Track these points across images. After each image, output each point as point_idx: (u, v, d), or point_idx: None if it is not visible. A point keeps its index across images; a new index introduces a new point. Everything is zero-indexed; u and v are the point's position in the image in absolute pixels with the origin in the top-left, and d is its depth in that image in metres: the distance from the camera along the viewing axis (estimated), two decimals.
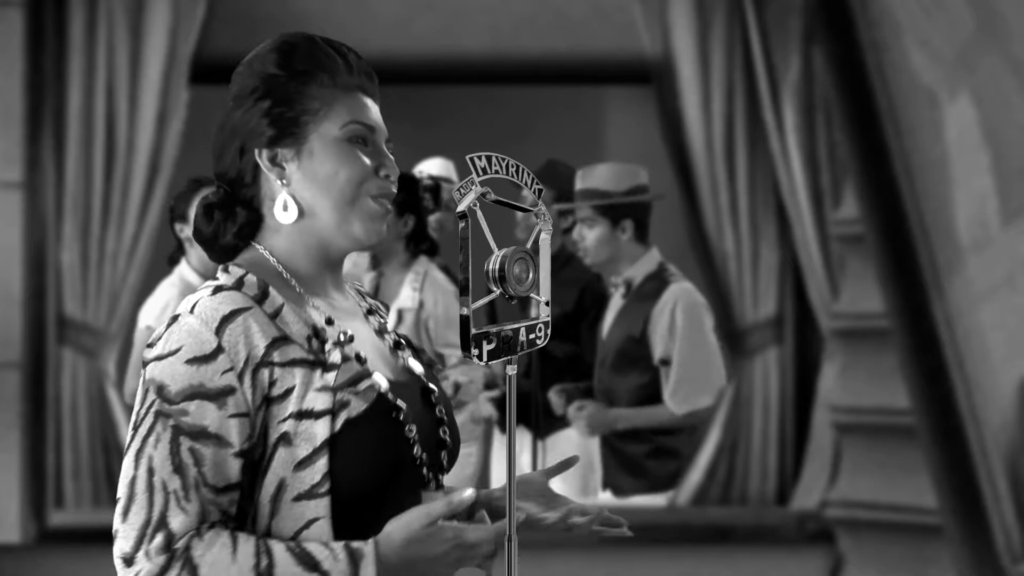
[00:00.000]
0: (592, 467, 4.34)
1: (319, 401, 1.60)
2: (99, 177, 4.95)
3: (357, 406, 1.62)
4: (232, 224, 1.71)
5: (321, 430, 1.59)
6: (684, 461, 4.34)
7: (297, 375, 1.61)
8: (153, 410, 1.58)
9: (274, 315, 1.63)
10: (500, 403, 4.56)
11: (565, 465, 1.84)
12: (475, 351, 1.57)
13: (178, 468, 1.56)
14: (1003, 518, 4.37)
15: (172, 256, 4.26)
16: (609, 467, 4.20)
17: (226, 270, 1.69)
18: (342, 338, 1.67)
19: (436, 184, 4.62)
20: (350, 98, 1.72)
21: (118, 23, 4.95)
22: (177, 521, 1.55)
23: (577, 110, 6.76)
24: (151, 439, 1.57)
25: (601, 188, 4.06)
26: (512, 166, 1.61)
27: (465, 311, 1.56)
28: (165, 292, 4.21)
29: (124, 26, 4.95)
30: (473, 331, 1.56)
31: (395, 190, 1.73)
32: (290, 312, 1.65)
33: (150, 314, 4.24)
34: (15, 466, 4.88)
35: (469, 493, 1.60)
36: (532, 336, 1.64)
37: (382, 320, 1.83)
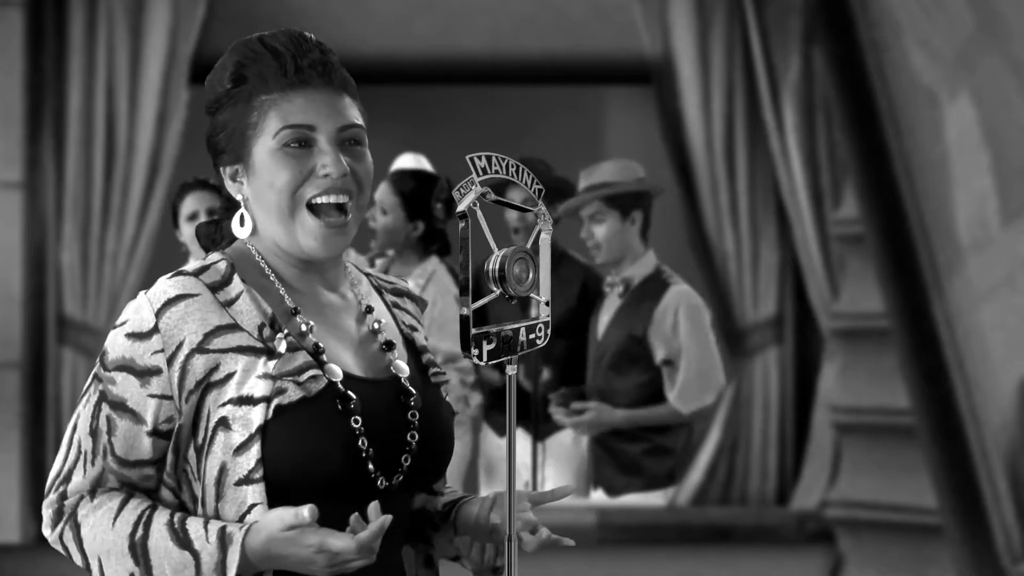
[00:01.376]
0: (583, 469, 4.35)
1: (258, 388, 1.61)
2: (99, 177, 4.95)
3: (293, 394, 1.62)
4: (223, 236, 1.75)
5: (257, 416, 1.61)
6: (679, 459, 4.34)
7: (240, 361, 1.62)
8: (94, 372, 1.67)
9: (228, 303, 1.65)
10: (491, 399, 4.53)
11: (556, 495, 1.80)
12: (475, 351, 1.57)
13: (93, 432, 1.64)
14: (1003, 518, 4.37)
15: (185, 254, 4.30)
16: (602, 466, 4.20)
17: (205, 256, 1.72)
18: (303, 328, 1.67)
19: (447, 181, 4.60)
20: (286, 100, 1.68)
21: (118, 23, 4.95)
22: (76, 479, 1.65)
23: (577, 110, 6.75)
24: (85, 397, 1.67)
25: (608, 181, 4.07)
26: (512, 166, 1.61)
27: (465, 311, 1.56)
28: None
29: (124, 26, 4.95)
30: (473, 331, 1.56)
31: (344, 184, 1.68)
32: (246, 301, 1.66)
33: None
34: (15, 466, 4.89)
35: (306, 511, 1.56)
36: (532, 336, 1.64)
37: (381, 322, 1.80)
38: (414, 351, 1.81)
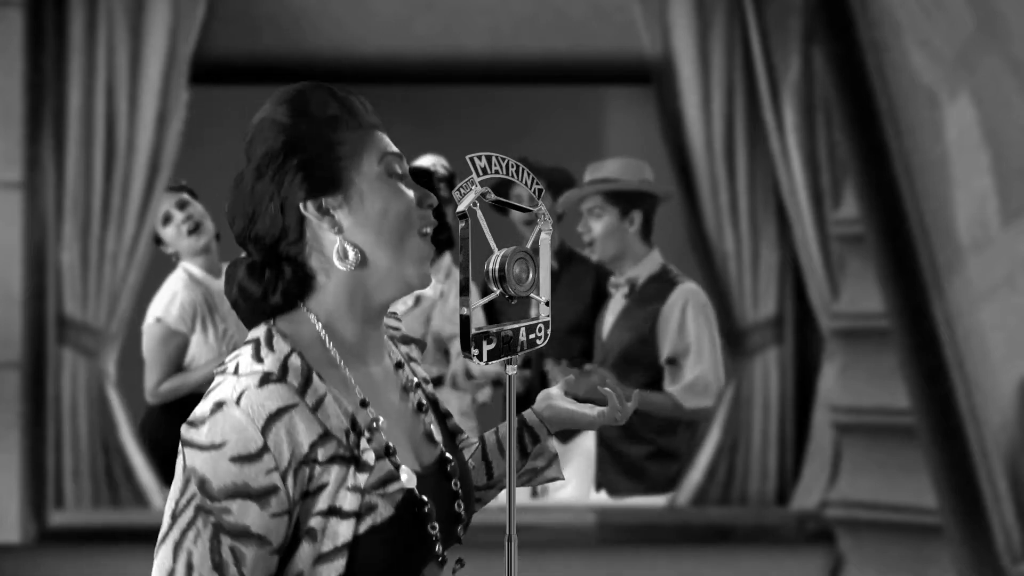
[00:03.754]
0: (590, 466, 4.35)
1: (348, 501, 1.58)
2: (99, 177, 4.95)
3: (384, 511, 1.60)
4: (281, 282, 1.67)
5: (345, 530, 1.57)
6: (683, 464, 4.34)
7: (333, 472, 1.58)
8: (195, 504, 1.56)
9: (315, 407, 1.59)
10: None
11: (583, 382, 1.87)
12: (475, 351, 1.57)
13: (218, 566, 1.55)
14: (1003, 518, 4.37)
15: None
16: (606, 468, 4.20)
17: (269, 344, 1.64)
18: (375, 425, 1.64)
19: (450, 174, 4.62)
20: (374, 135, 1.69)
21: (118, 23, 4.95)
22: None
23: (577, 110, 6.75)
24: (191, 533, 1.55)
25: (612, 178, 4.08)
26: (512, 166, 1.61)
27: (465, 311, 1.56)
28: (172, 285, 4.27)
29: (124, 26, 4.95)
30: (473, 331, 1.56)
31: (436, 222, 1.70)
32: (331, 403, 1.61)
33: (159, 306, 4.31)
34: (15, 466, 4.88)
35: None
36: (532, 336, 1.64)
37: (410, 379, 1.78)
38: (439, 415, 1.81)
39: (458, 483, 1.72)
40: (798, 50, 5.00)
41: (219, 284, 4.32)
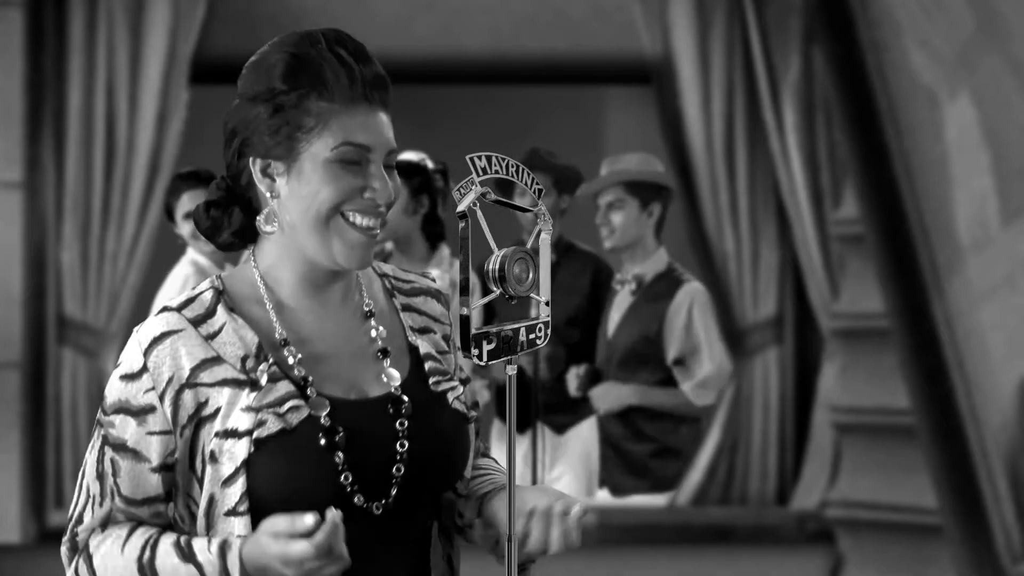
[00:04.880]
0: (592, 466, 4.35)
1: (243, 421, 1.63)
2: (99, 177, 4.95)
3: (272, 426, 1.63)
4: (228, 224, 1.73)
5: (241, 450, 1.62)
6: (686, 461, 4.35)
7: (225, 394, 1.64)
8: (97, 418, 1.71)
9: (211, 336, 1.66)
10: (499, 393, 4.55)
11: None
12: (475, 351, 1.57)
13: (99, 475, 1.68)
14: (1003, 518, 4.37)
15: (183, 246, 4.30)
16: (610, 467, 4.21)
17: (196, 285, 1.75)
18: (291, 360, 1.67)
19: (444, 168, 4.61)
20: (348, 115, 1.68)
21: (118, 23, 4.95)
22: (86, 520, 1.69)
23: (577, 110, 6.75)
24: (91, 444, 1.70)
25: (632, 170, 4.10)
26: (512, 166, 1.61)
27: (465, 311, 1.56)
28: (180, 272, 4.24)
29: (124, 26, 4.95)
30: (473, 331, 1.56)
31: (383, 210, 1.69)
32: (229, 332, 1.67)
33: (166, 296, 4.27)
34: (15, 466, 4.88)
35: (308, 520, 1.56)
36: (532, 336, 1.64)
37: (379, 328, 1.78)
38: (416, 359, 1.79)
39: (404, 423, 1.70)
40: (798, 50, 5.00)
41: None
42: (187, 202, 4.12)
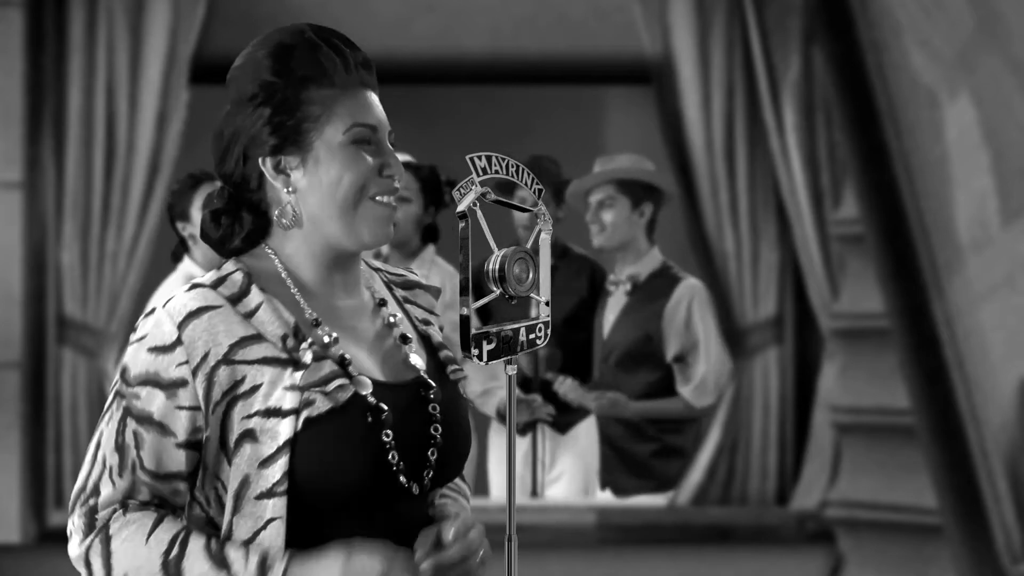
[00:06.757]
0: (592, 466, 4.35)
1: (287, 400, 1.61)
2: (99, 177, 4.95)
3: (321, 405, 1.62)
4: (240, 229, 1.72)
5: (285, 429, 1.60)
6: (688, 461, 4.35)
7: (266, 373, 1.62)
8: (115, 389, 1.67)
9: (249, 314, 1.65)
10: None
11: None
12: (475, 351, 1.57)
13: (119, 447, 1.64)
14: (1003, 518, 4.37)
15: (175, 252, 4.25)
16: (611, 467, 4.21)
17: (220, 267, 1.71)
18: (327, 340, 1.67)
19: (435, 168, 4.62)
20: (350, 98, 1.70)
21: (118, 23, 4.95)
22: (105, 491, 1.64)
23: (577, 110, 6.75)
24: (107, 415, 1.66)
25: (624, 168, 4.10)
26: (512, 166, 1.61)
27: (465, 311, 1.56)
28: (172, 285, 4.22)
29: (124, 26, 4.95)
30: (473, 331, 1.56)
31: (399, 186, 1.71)
32: (267, 312, 1.66)
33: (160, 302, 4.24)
34: (15, 466, 4.88)
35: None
36: (532, 336, 1.64)
37: (396, 316, 1.79)
38: (430, 347, 1.80)
39: (437, 407, 1.72)
40: (798, 50, 5.00)
41: None
42: (205, 192, 4.13)
